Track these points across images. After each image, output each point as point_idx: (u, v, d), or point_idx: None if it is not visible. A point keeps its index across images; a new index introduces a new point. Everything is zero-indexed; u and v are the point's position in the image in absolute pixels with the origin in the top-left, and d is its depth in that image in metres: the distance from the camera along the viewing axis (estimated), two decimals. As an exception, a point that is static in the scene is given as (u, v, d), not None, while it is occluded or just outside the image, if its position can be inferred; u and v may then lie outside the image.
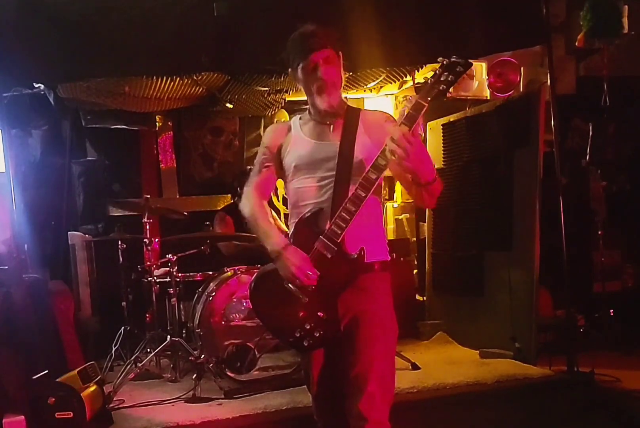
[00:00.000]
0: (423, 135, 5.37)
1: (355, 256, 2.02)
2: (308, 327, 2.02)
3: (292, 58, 2.12)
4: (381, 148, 1.96)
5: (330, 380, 2.11)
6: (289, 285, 2.03)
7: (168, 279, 3.99)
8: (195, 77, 4.12)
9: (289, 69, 2.17)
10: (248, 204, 2.21)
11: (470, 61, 1.93)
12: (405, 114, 1.93)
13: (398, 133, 1.87)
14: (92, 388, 3.14)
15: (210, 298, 3.70)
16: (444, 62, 1.93)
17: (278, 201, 4.91)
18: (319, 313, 2.02)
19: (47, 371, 3.08)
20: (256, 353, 3.55)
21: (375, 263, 2.10)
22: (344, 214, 1.98)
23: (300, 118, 2.25)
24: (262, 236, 2.14)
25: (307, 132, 2.19)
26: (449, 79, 1.91)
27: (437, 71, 1.93)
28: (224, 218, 4.59)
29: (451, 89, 1.96)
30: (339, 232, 1.99)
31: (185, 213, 4.55)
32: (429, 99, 1.93)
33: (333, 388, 2.09)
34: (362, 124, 2.14)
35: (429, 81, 1.94)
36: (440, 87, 1.92)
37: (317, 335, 2.02)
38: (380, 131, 2.02)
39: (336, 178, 2.07)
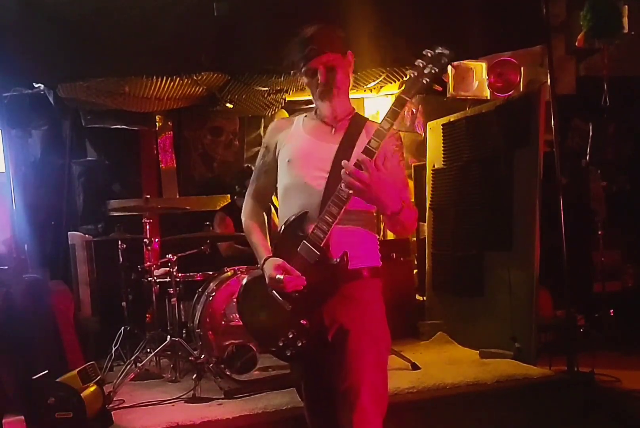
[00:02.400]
0: (423, 135, 5.37)
1: (337, 261, 1.90)
2: (291, 336, 1.94)
3: (295, 63, 2.04)
4: (379, 158, 1.88)
5: (323, 393, 2.02)
6: (273, 291, 1.96)
7: (168, 279, 3.99)
8: (195, 77, 4.12)
9: (296, 72, 2.09)
10: (244, 214, 2.22)
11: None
12: (388, 110, 1.87)
13: (350, 165, 1.78)
14: (92, 388, 3.13)
15: (210, 298, 3.69)
16: (429, 55, 1.86)
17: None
18: (302, 321, 1.93)
19: (47, 371, 3.07)
20: (256, 353, 3.55)
21: (364, 270, 1.99)
22: (327, 217, 1.88)
23: (306, 116, 2.17)
24: (253, 248, 2.13)
25: (308, 130, 2.10)
26: (433, 71, 1.84)
27: (421, 64, 1.86)
28: (224, 219, 4.59)
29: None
30: (322, 236, 1.89)
31: (188, 207, 4.55)
32: (412, 93, 1.86)
33: (326, 401, 2.00)
34: (366, 132, 2.03)
35: (411, 75, 1.87)
36: (424, 81, 1.85)
37: (300, 344, 1.93)
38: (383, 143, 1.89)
39: (328, 180, 1.96)
